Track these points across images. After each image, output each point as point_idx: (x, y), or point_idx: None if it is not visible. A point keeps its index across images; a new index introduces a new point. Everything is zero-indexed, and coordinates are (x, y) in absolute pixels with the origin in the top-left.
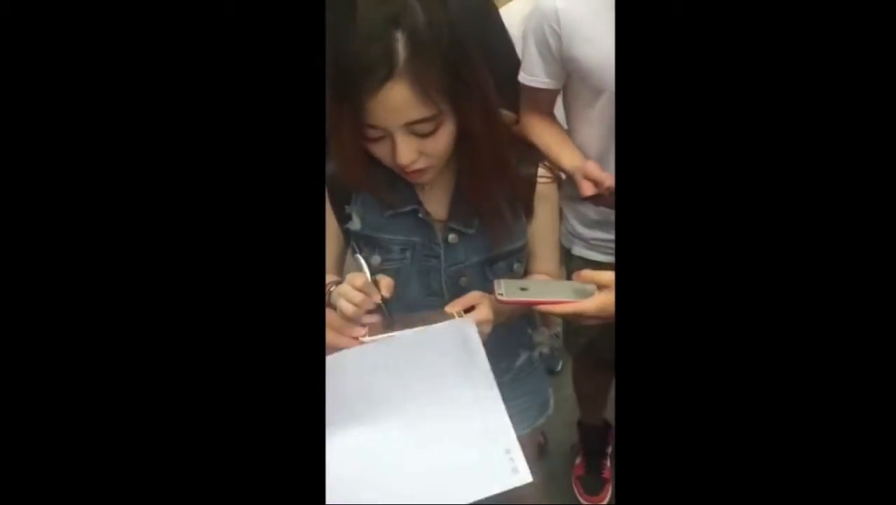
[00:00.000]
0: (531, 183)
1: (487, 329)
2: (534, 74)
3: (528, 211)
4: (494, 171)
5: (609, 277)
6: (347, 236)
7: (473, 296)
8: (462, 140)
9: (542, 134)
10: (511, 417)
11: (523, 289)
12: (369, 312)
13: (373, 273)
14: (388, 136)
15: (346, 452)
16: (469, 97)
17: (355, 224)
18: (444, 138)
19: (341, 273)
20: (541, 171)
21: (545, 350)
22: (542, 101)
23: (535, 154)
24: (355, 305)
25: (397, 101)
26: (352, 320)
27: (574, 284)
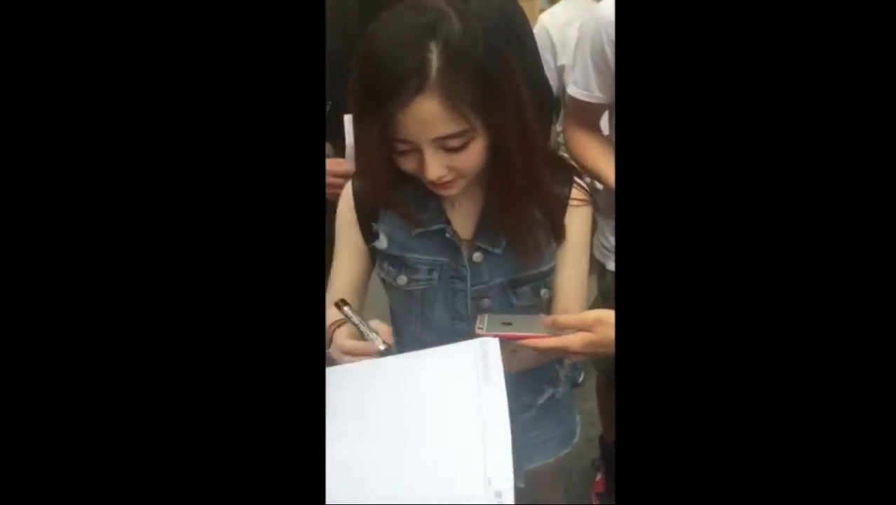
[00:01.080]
0: (563, 204)
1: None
2: (587, 88)
3: (559, 233)
4: (528, 189)
5: (587, 318)
6: (374, 255)
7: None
8: (494, 155)
9: (590, 150)
10: (534, 447)
11: (506, 323)
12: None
13: (399, 294)
14: (416, 149)
15: (341, 465)
16: (504, 112)
17: (382, 243)
18: (474, 154)
19: (363, 294)
20: (574, 192)
21: (568, 361)
22: (590, 116)
23: (568, 173)
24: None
25: (427, 115)
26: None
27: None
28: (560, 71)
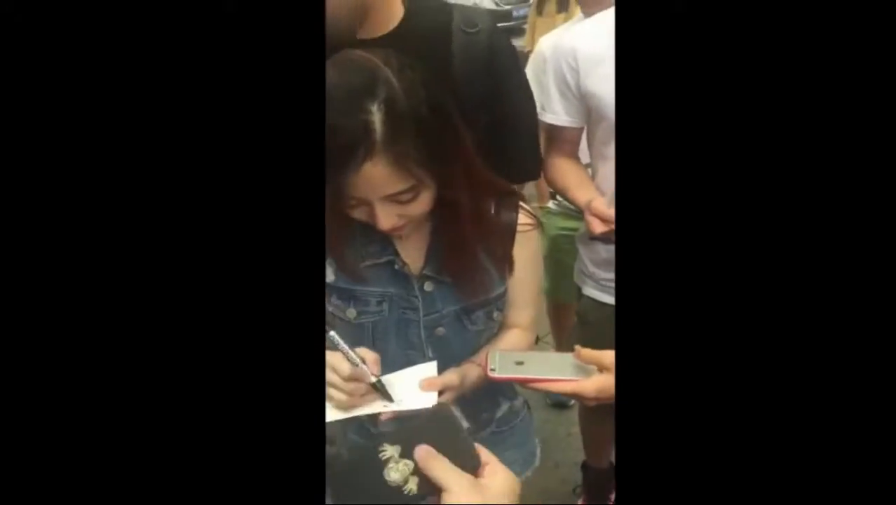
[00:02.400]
0: (511, 231)
1: (451, 396)
2: (554, 112)
3: (509, 259)
4: (474, 224)
5: (611, 358)
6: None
7: (448, 377)
8: (443, 200)
9: (563, 174)
10: None
11: (518, 363)
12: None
13: (349, 327)
14: (366, 204)
15: None
16: (450, 164)
17: (329, 276)
18: (424, 203)
19: None
20: (521, 217)
21: None
22: (564, 141)
23: (514, 198)
24: (348, 394)
25: (376, 178)
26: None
27: (574, 359)
28: None
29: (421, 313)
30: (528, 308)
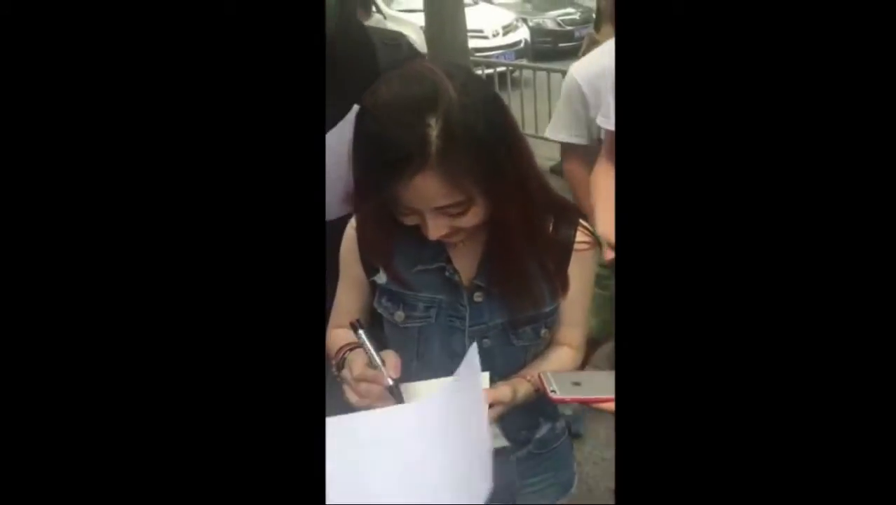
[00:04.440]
0: (567, 248)
1: (500, 410)
2: (608, 117)
3: (563, 277)
4: (528, 240)
5: None
6: (374, 289)
7: (502, 391)
8: (496, 215)
9: (600, 193)
10: (529, 494)
11: (576, 384)
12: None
13: (395, 330)
14: (417, 213)
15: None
16: (503, 182)
17: (381, 278)
18: (474, 217)
19: (365, 324)
20: (579, 235)
21: (567, 411)
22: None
23: (574, 215)
24: (359, 395)
25: (428, 191)
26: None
27: None
28: (591, 122)
29: (467, 323)
30: (579, 327)
